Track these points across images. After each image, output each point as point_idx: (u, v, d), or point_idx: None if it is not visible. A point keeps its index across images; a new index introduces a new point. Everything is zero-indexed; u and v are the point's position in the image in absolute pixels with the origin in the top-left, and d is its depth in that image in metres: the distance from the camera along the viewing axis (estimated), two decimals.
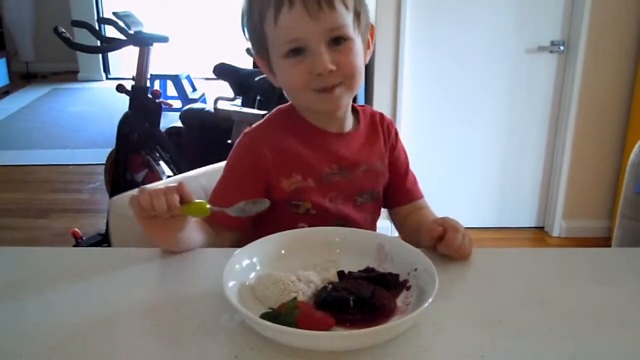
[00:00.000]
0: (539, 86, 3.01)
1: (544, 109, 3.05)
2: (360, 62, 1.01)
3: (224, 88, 3.68)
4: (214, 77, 3.65)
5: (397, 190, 1.18)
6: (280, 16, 0.95)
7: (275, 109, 1.13)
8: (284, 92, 1.07)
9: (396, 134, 1.18)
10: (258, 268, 0.86)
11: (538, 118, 3.06)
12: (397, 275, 0.84)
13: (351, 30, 0.98)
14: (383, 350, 0.71)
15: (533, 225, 3.26)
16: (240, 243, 0.92)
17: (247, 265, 0.85)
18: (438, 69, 2.97)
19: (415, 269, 0.83)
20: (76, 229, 2.84)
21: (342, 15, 0.96)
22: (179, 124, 3.38)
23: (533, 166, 3.15)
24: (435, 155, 3.10)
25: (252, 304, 0.77)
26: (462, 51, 2.93)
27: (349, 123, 1.12)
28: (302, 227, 1.02)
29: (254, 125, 1.11)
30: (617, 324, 0.80)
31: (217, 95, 3.47)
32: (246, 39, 1.06)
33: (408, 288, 0.82)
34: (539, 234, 3.20)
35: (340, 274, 0.85)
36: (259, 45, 1.03)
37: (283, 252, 0.90)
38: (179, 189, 0.87)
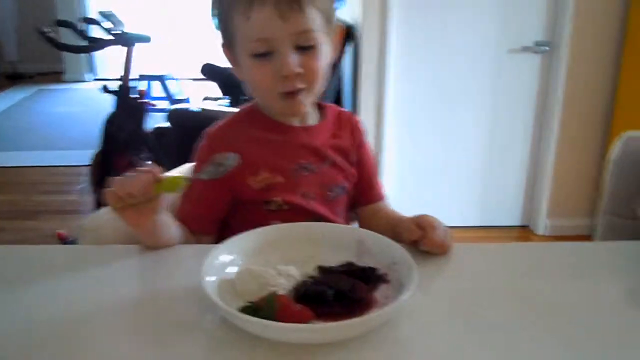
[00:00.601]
0: (524, 86, 3.03)
1: (528, 108, 3.07)
2: (325, 66, 1.03)
3: (212, 88, 3.68)
4: (201, 77, 3.65)
5: (363, 189, 1.18)
6: (252, 13, 0.95)
7: (239, 108, 1.15)
8: (248, 88, 1.07)
9: (363, 133, 1.19)
10: (238, 263, 0.86)
11: (522, 117, 3.09)
12: (376, 270, 0.85)
13: (320, 35, 0.99)
14: (363, 343, 0.71)
15: (518, 224, 3.28)
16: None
17: (226, 260, 0.86)
18: (423, 70, 2.99)
19: (395, 263, 0.84)
20: (61, 231, 2.82)
21: (312, 19, 0.97)
22: (165, 124, 3.38)
23: (517, 165, 3.18)
24: (420, 155, 3.12)
25: (232, 299, 0.77)
26: (447, 51, 2.95)
27: (313, 117, 1.13)
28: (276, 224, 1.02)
29: (214, 126, 1.12)
30: (593, 316, 0.81)
31: (204, 95, 3.48)
32: (215, 27, 1.06)
33: (387, 282, 0.83)
34: (523, 233, 3.23)
35: (320, 268, 0.86)
36: (227, 36, 1.04)
37: (263, 247, 0.90)
38: (150, 169, 0.87)
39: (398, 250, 0.86)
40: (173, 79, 5.69)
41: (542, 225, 3.16)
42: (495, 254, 1.04)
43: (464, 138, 3.11)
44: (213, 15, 1.05)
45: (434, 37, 2.93)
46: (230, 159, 0.95)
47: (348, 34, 3.14)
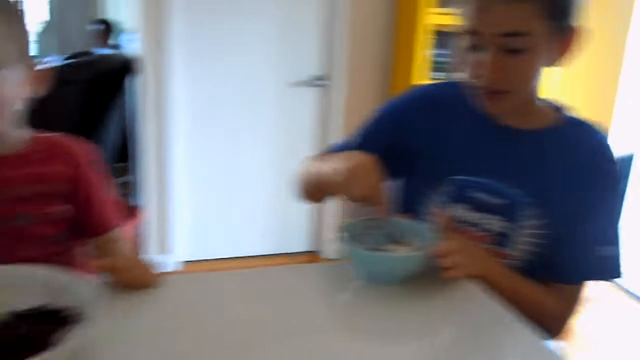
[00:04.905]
0: (305, 116, 3.20)
1: (311, 137, 3.23)
2: (14, 93, 1.00)
3: None
4: None
5: (88, 221, 1.15)
6: None
7: None
8: None
9: (88, 162, 1.15)
10: None
11: (306, 146, 3.22)
12: (67, 310, 0.81)
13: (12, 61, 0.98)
14: None
15: (309, 250, 3.42)
16: None
17: None
18: (207, 101, 3.02)
19: (84, 302, 0.81)
20: None
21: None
22: None
23: None
24: (211, 186, 3.14)
25: None
26: (230, 83, 3.02)
27: (6, 148, 1.06)
28: None
29: None
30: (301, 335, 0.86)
31: None
32: None
33: (77, 322, 0.79)
34: (313, 257, 3.37)
35: (10, 313, 0.80)
36: None
37: None
38: None
39: (84, 286, 0.82)
40: None
41: (330, 250, 3.32)
42: (207, 280, 1.07)
43: (253, 167, 3.19)
44: None
45: (217, 69, 2.98)
46: None
47: (129, 68, 3.09)
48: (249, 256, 3.26)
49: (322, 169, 1.14)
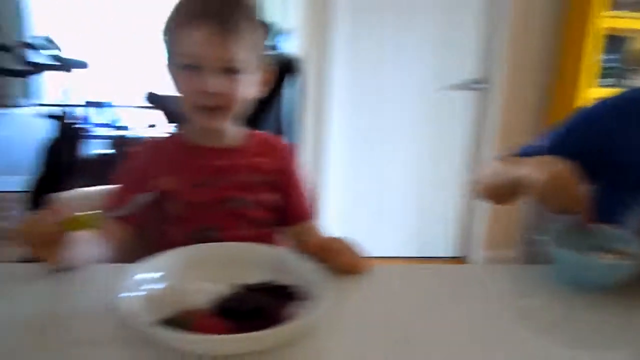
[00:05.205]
0: (459, 121, 3.16)
1: (464, 142, 3.19)
2: (247, 93, 1.12)
3: (156, 116, 3.68)
4: (142, 105, 3.63)
5: (290, 209, 1.24)
6: (190, 30, 1.06)
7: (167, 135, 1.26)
8: (179, 102, 1.15)
9: (291, 157, 1.26)
10: (159, 280, 0.88)
11: (458, 151, 3.20)
12: (293, 287, 0.88)
13: (244, 65, 1.09)
14: (281, 356, 0.75)
15: (454, 255, 3.38)
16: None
17: (148, 277, 0.87)
18: (363, 103, 3.07)
19: (311, 280, 0.87)
20: None
21: (238, 50, 1.07)
22: (110, 150, 3.35)
23: (454, 197, 3.27)
24: (359, 187, 3.19)
25: (151, 315, 0.78)
26: (387, 86, 3.05)
27: (229, 141, 1.20)
28: (169, 229, 1.13)
29: (138, 146, 1.24)
30: (490, 333, 0.87)
31: (149, 123, 3.48)
32: (164, 48, 1.15)
33: (303, 298, 0.86)
34: (458, 264, 3.32)
35: (239, 285, 0.88)
36: (169, 52, 1.13)
37: (183, 265, 0.92)
38: (55, 209, 0.91)
39: (314, 268, 0.89)
40: (113, 106, 5.64)
41: (477, 256, 3.26)
42: (410, 273, 1.10)
43: (402, 170, 3.20)
44: (164, 36, 1.13)
45: (374, 71, 3.03)
46: (147, 197, 1.05)
47: (290, 68, 3.22)
48: (392, 257, 3.28)
49: (515, 173, 1.13)
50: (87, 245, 0.98)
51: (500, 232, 3.22)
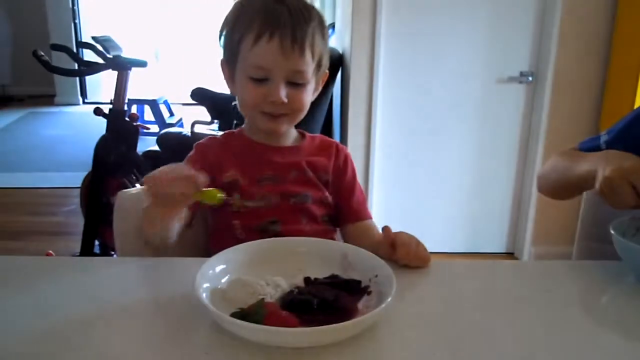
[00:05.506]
0: (508, 115, 3.12)
1: (513, 137, 3.15)
2: (308, 101, 1.16)
3: (202, 112, 3.75)
4: (191, 102, 3.70)
5: (346, 209, 1.26)
6: (260, 42, 1.08)
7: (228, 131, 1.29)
8: (237, 101, 1.19)
9: (346, 159, 1.28)
10: (230, 274, 0.91)
11: (507, 145, 3.16)
12: (359, 282, 0.90)
13: (309, 76, 1.13)
14: (345, 348, 0.76)
15: (503, 251, 3.34)
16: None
17: (219, 270, 0.90)
18: (410, 97, 3.06)
19: (376, 276, 0.89)
20: (50, 251, 2.84)
21: (306, 62, 1.11)
22: (156, 147, 3.42)
23: (503, 192, 3.24)
24: (407, 181, 3.19)
25: (223, 306, 0.81)
26: (434, 80, 3.03)
27: (288, 141, 1.24)
28: (236, 223, 1.15)
29: (204, 140, 1.25)
30: (557, 329, 0.86)
31: (194, 119, 3.54)
32: (220, 45, 1.18)
33: (369, 293, 0.88)
34: (508, 260, 3.28)
35: (306, 279, 0.91)
36: (230, 55, 1.16)
37: (253, 259, 0.95)
38: (194, 175, 0.92)
39: (379, 263, 0.91)
40: (165, 103, 5.76)
41: (527, 252, 3.22)
42: (470, 268, 1.11)
43: (450, 165, 3.18)
44: (221, 32, 1.17)
45: (422, 66, 3.01)
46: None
47: (337, 65, 3.22)
48: (441, 252, 3.26)
49: (578, 168, 1.11)
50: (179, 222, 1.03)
51: (548, 228, 3.17)
